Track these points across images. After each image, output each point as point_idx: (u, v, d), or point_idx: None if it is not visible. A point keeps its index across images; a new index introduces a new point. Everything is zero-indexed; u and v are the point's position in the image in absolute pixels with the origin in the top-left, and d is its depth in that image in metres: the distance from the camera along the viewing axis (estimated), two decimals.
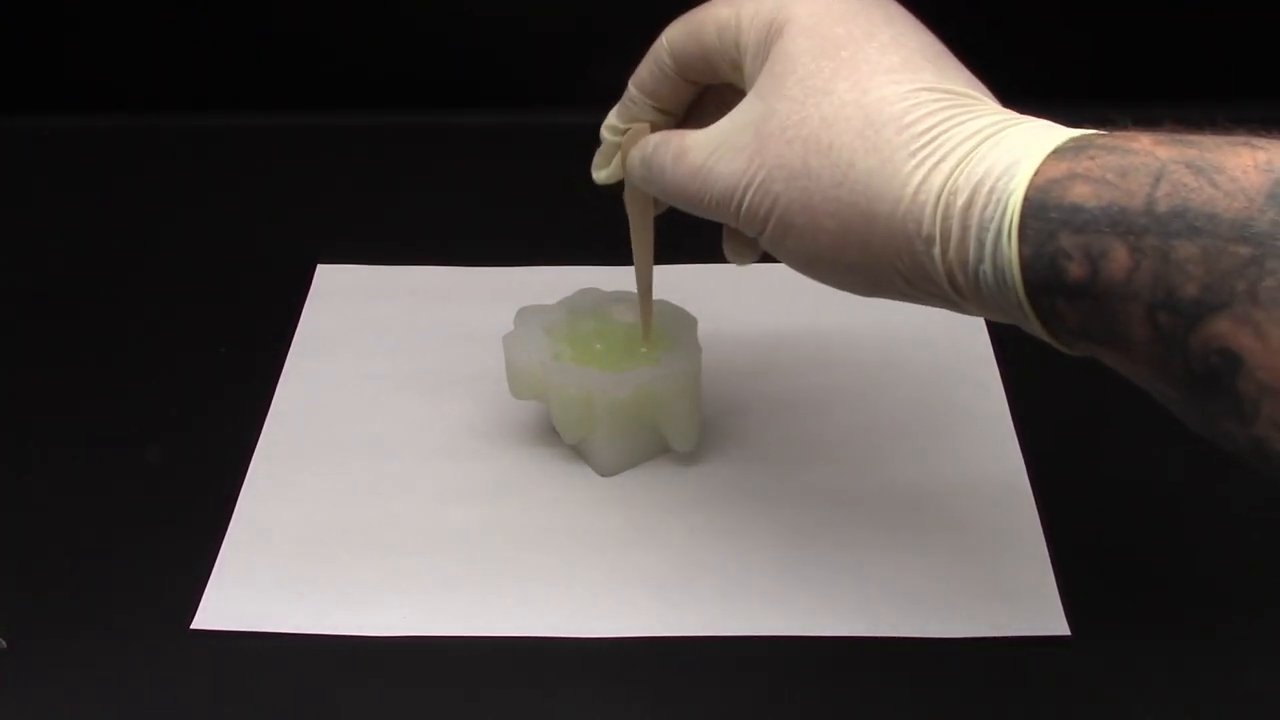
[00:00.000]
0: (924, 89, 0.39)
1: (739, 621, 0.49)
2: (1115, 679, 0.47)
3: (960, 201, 0.36)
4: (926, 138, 0.38)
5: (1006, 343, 0.61)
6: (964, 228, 0.36)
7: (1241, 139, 0.33)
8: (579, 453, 0.56)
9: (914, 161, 0.37)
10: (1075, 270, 0.34)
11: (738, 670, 0.48)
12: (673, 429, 0.54)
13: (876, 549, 0.52)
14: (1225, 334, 0.31)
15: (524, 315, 0.56)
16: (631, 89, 0.48)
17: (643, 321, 0.55)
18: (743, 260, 0.49)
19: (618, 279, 0.57)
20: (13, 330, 0.64)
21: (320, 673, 0.48)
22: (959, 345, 0.61)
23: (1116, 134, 0.35)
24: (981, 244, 0.36)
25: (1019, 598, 0.50)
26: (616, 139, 0.49)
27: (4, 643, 0.48)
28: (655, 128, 0.47)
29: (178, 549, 0.52)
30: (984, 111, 0.38)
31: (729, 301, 0.63)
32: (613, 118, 0.49)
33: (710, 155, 0.43)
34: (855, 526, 0.53)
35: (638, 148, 0.47)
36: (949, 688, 0.47)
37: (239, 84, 0.78)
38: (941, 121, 0.38)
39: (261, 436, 0.57)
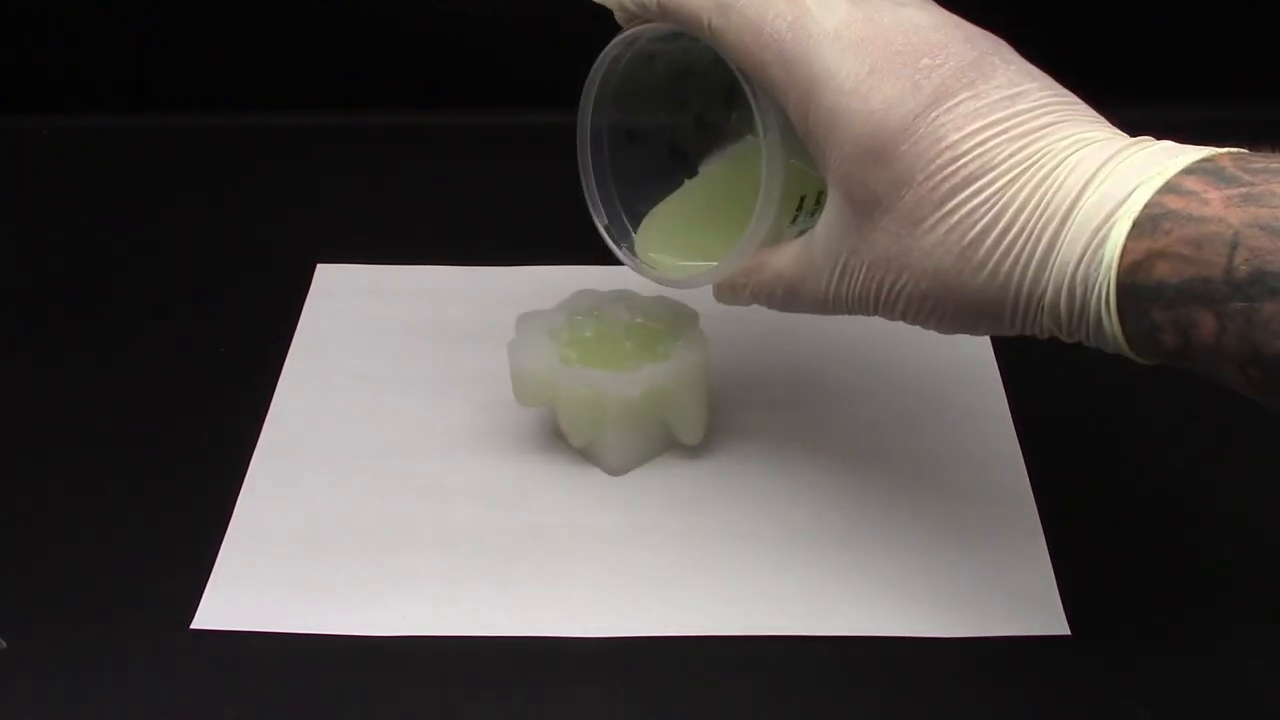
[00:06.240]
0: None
1: (739, 621, 0.49)
2: (1115, 679, 0.47)
3: (1062, 299, 0.38)
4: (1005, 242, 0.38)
5: (1006, 343, 0.61)
6: (1070, 312, 0.38)
7: None
8: (585, 454, 0.56)
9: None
10: (1169, 340, 0.36)
11: (738, 670, 0.48)
12: (680, 423, 0.54)
13: (876, 549, 0.52)
14: None
15: (525, 321, 0.55)
16: None
17: None
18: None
19: (617, 279, 0.57)
20: (12, 330, 0.64)
21: (320, 673, 0.48)
22: (959, 345, 0.61)
23: (1186, 193, 0.36)
24: (1086, 324, 0.38)
25: (1019, 598, 0.50)
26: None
27: (4, 643, 0.48)
28: None
29: (178, 549, 0.52)
30: (1039, 193, 0.38)
31: None
32: None
33: (830, 282, 0.43)
34: (855, 526, 0.53)
35: (731, 296, 0.48)
36: (949, 688, 0.47)
37: (239, 84, 0.78)
38: (998, 232, 0.38)
39: (261, 436, 0.57)
